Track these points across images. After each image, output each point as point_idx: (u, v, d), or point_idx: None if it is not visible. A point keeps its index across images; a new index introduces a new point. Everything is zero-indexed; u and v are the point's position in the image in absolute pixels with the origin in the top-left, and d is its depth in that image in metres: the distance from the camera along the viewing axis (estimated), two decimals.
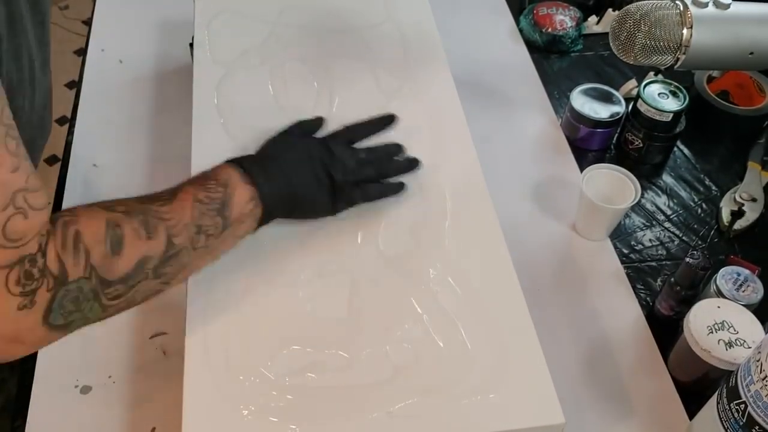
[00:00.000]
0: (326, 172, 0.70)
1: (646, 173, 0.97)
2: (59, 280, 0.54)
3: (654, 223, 0.91)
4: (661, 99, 0.94)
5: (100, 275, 0.56)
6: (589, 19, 1.16)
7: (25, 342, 0.55)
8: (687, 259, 0.76)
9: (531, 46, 1.13)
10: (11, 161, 0.51)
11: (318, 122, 0.78)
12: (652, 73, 0.98)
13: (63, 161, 0.93)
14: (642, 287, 0.85)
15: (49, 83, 0.80)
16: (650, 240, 0.89)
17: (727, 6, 0.73)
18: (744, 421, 0.60)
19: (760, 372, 0.57)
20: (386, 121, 0.78)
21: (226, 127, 0.81)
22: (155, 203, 0.61)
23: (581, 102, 0.97)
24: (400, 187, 0.75)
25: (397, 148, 0.77)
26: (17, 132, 0.53)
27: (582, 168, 0.94)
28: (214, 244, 0.63)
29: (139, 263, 0.58)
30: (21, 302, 0.52)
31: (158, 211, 0.60)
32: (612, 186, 0.87)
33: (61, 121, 1.78)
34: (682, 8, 0.72)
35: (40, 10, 0.73)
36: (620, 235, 0.90)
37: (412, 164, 0.76)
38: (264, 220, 0.67)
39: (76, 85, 1.03)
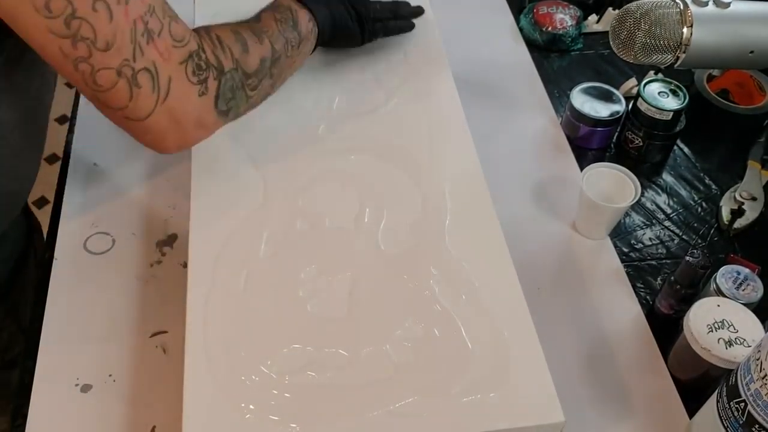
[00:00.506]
0: (353, 8, 0.85)
1: (646, 172, 0.97)
2: (219, 69, 0.66)
3: (654, 221, 0.91)
4: (661, 98, 0.94)
5: (242, 68, 0.69)
6: (590, 17, 1.16)
7: (205, 125, 0.67)
8: (687, 258, 0.76)
9: (531, 45, 1.13)
10: None
11: None
12: (652, 72, 0.98)
13: (63, 160, 0.93)
14: (642, 286, 0.85)
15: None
16: (650, 239, 0.90)
17: (727, 5, 0.73)
18: (744, 419, 0.60)
19: (760, 371, 0.58)
20: (415, 9, 0.92)
21: (226, 126, 0.81)
22: (251, 22, 0.73)
23: (581, 101, 0.97)
24: (411, 25, 0.92)
25: (405, 2, 0.92)
26: None
27: (582, 167, 0.94)
28: (296, 54, 0.77)
29: (262, 61, 0.71)
30: (200, 89, 0.64)
31: (258, 26, 0.73)
32: (612, 185, 0.87)
33: (62, 120, 1.78)
34: (682, 7, 0.72)
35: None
36: (620, 234, 0.90)
37: (419, 9, 0.93)
38: (318, 40, 0.81)
39: None
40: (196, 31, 0.67)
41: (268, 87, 0.74)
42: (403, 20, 0.91)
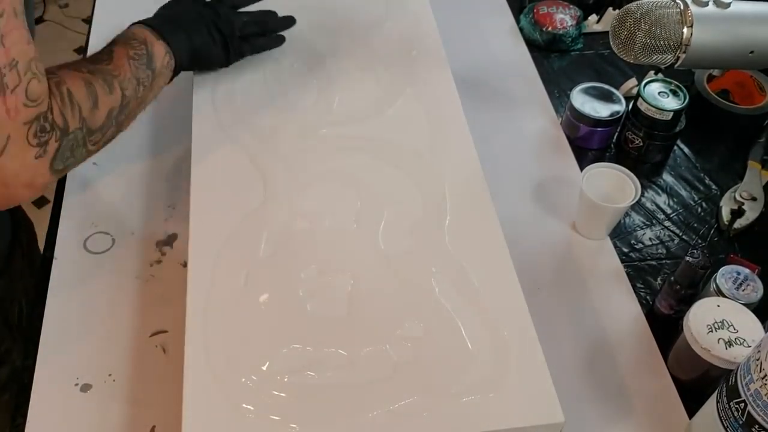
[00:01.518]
0: (217, 30, 0.82)
1: (646, 172, 0.97)
2: (63, 130, 0.64)
3: (654, 222, 0.91)
4: (662, 98, 0.94)
5: (88, 125, 0.66)
6: (590, 17, 1.15)
7: (35, 186, 0.64)
8: (687, 258, 0.76)
9: (531, 45, 1.13)
10: (26, 34, 0.59)
11: None
12: (652, 72, 0.98)
13: None
14: (642, 286, 0.85)
15: None
16: (650, 239, 0.90)
17: (728, 5, 0.73)
18: (744, 419, 0.60)
19: (760, 371, 0.58)
20: (285, 19, 0.89)
21: (226, 126, 0.81)
22: (103, 63, 0.71)
23: (581, 101, 0.97)
24: (281, 39, 0.89)
25: (272, 12, 0.89)
26: (23, 6, 0.59)
27: (582, 167, 0.94)
28: (148, 93, 0.75)
29: (109, 114, 0.69)
30: (37, 152, 0.61)
31: (109, 70, 0.71)
32: (612, 185, 0.87)
33: None
34: (682, 7, 0.72)
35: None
36: (620, 234, 0.90)
37: (289, 20, 0.89)
38: (175, 71, 0.80)
39: None
40: (49, 83, 0.63)
41: (111, 135, 0.71)
42: (272, 36, 0.89)
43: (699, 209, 0.93)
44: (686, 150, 1.00)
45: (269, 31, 0.88)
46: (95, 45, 1.07)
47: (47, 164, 0.63)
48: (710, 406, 0.65)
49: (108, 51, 0.73)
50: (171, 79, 0.80)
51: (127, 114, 0.72)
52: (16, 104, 0.58)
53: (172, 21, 0.80)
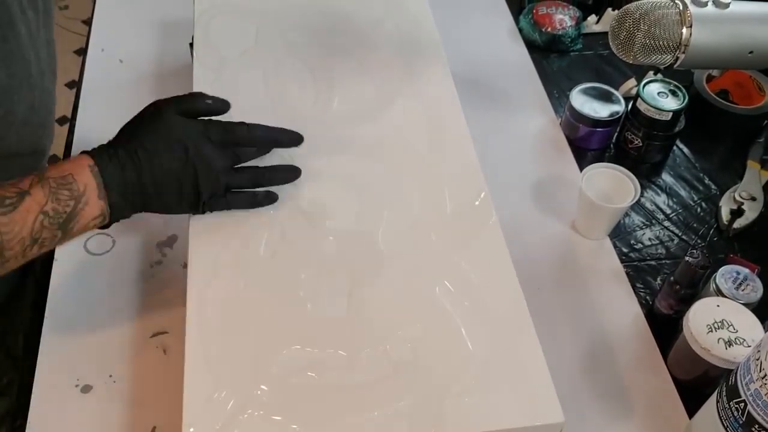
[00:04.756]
0: (193, 187, 0.65)
1: (646, 172, 0.97)
2: None
3: (653, 222, 0.91)
4: (661, 98, 0.94)
5: None
6: (589, 18, 1.16)
7: None
8: (686, 258, 0.76)
9: (530, 45, 1.13)
10: None
11: (201, 104, 0.69)
12: (651, 72, 0.98)
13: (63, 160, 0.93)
14: (641, 286, 0.85)
15: (51, 84, 0.80)
16: (650, 239, 0.90)
17: (727, 5, 0.73)
18: (744, 419, 0.60)
19: (760, 371, 0.58)
20: (291, 136, 0.71)
21: None
22: (8, 200, 0.58)
23: (581, 101, 0.97)
24: (272, 198, 0.70)
25: (278, 167, 0.71)
26: None
27: (581, 167, 0.94)
28: (44, 250, 0.61)
29: None
30: None
31: (4, 214, 0.57)
32: (611, 185, 0.87)
33: (61, 120, 1.77)
34: (681, 7, 0.72)
35: (48, 13, 0.71)
36: (620, 234, 0.90)
37: (294, 172, 0.71)
38: (103, 227, 0.65)
39: (76, 85, 1.03)
40: None
41: None
42: (260, 194, 0.70)
43: (698, 209, 0.93)
44: (685, 150, 1.00)
45: (262, 186, 0.70)
46: (95, 46, 1.08)
47: None
48: (710, 406, 0.65)
49: (23, 192, 0.58)
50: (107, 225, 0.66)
51: (1, 269, 0.59)
52: None
53: (134, 167, 0.63)
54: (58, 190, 0.60)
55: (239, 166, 0.69)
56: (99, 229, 0.65)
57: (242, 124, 0.69)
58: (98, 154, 0.64)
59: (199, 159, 0.65)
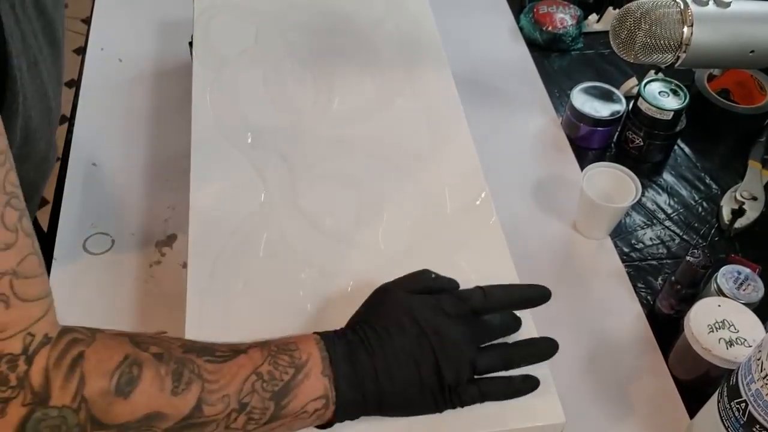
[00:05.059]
0: (434, 369, 0.55)
1: (647, 172, 0.96)
2: (39, 398, 0.44)
3: (654, 221, 0.91)
4: (662, 97, 0.94)
5: (93, 413, 0.45)
6: (590, 17, 1.15)
7: None
8: (687, 258, 0.76)
9: (531, 44, 1.13)
10: (4, 236, 0.43)
11: (428, 280, 0.62)
12: (652, 72, 0.98)
13: (62, 160, 0.93)
14: (642, 286, 0.85)
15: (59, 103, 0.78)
16: (651, 238, 0.89)
17: (728, 4, 0.72)
18: (745, 419, 0.60)
19: (761, 371, 0.57)
20: (539, 292, 0.63)
21: (226, 126, 0.81)
22: (203, 356, 0.51)
23: (582, 100, 0.97)
24: (533, 385, 0.59)
25: (534, 342, 0.61)
26: (22, 201, 0.45)
27: (582, 166, 0.94)
28: (249, 428, 0.51)
29: (147, 417, 0.47)
30: None
31: (201, 367, 0.50)
32: (612, 184, 0.87)
33: (61, 120, 1.77)
34: (682, 6, 0.72)
35: (54, 35, 0.67)
36: (621, 234, 0.89)
37: (554, 345, 0.61)
38: (330, 424, 0.55)
39: (75, 84, 1.03)
40: (66, 333, 0.47)
41: None
42: (518, 382, 0.59)
43: (699, 209, 0.93)
44: (687, 149, 1.00)
45: (514, 366, 0.59)
46: (95, 45, 1.07)
47: None
48: (711, 406, 0.65)
49: (239, 347, 0.53)
50: (322, 429, 0.56)
51: None
52: None
53: (362, 343, 0.55)
54: (278, 354, 0.53)
55: (484, 345, 0.59)
56: (318, 428, 0.56)
57: (477, 289, 0.60)
58: (324, 333, 0.57)
59: (435, 334, 0.56)
